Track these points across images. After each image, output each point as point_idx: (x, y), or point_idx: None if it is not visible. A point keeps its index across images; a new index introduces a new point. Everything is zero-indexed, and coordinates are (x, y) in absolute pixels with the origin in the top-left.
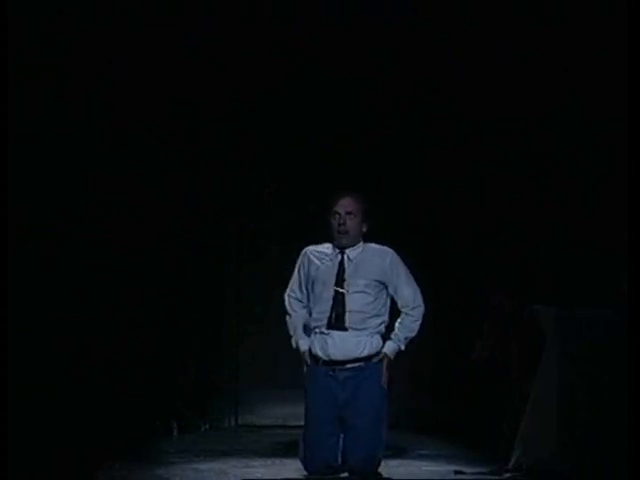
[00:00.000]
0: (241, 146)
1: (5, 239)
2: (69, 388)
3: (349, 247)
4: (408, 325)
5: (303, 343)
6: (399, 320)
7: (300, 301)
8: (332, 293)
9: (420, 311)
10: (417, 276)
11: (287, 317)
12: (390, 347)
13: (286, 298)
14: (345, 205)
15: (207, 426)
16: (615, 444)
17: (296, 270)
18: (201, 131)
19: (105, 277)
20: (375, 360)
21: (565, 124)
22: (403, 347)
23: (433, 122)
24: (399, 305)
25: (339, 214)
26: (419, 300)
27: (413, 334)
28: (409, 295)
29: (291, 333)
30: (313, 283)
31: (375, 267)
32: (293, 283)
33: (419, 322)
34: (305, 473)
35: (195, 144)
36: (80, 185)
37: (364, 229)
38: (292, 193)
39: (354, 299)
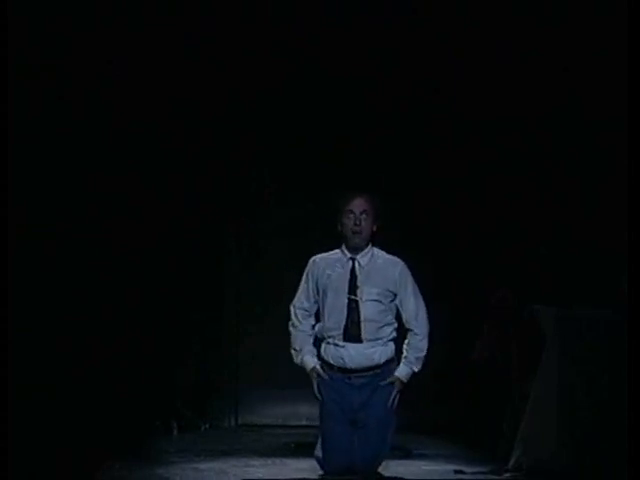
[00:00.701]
0: (241, 146)
1: (5, 239)
2: (69, 388)
3: (360, 250)
4: (415, 345)
5: (309, 360)
6: (407, 341)
7: (306, 311)
8: (345, 301)
9: (424, 329)
10: (417, 276)
11: (291, 328)
12: (403, 371)
13: (292, 309)
14: (360, 205)
15: (207, 426)
16: (615, 444)
17: (303, 280)
18: (201, 131)
19: (105, 277)
20: (391, 366)
21: (565, 124)
22: (416, 369)
23: (433, 122)
24: (403, 318)
25: (354, 213)
26: (422, 315)
27: (423, 354)
28: (413, 309)
29: (296, 348)
30: (325, 292)
31: (387, 276)
32: (301, 293)
33: (426, 340)
34: (321, 472)
35: (195, 144)
36: (80, 185)
37: (374, 229)
38: (292, 193)
39: (368, 307)
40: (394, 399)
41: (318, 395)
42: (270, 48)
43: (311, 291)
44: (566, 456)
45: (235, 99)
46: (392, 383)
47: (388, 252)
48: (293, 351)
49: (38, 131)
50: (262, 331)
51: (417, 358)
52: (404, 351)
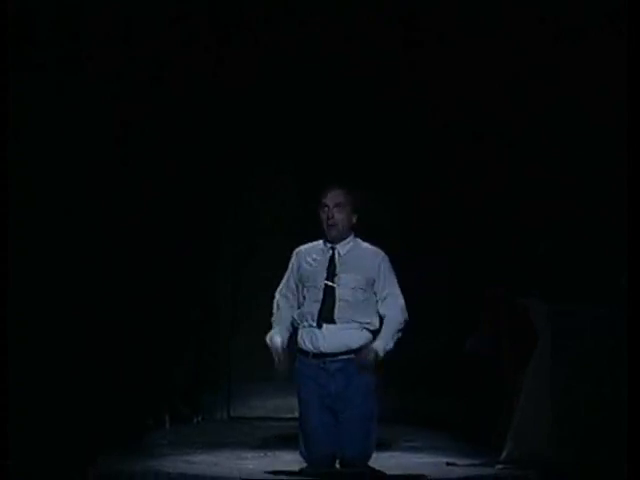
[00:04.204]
0: (238, 144)
1: (5, 239)
2: (66, 384)
3: (339, 241)
4: (391, 326)
5: (276, 338)
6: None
7: (287, 298)
8: (322, 286)
9: (399, 315)
10: (416, 271)
11: (272, 317)
12: (379, 344)
13: (275, 296)
14: (333, 197)
15: (200, 418)
16: (607, 437)
17: (289, 270)
18: (199, 129)
19: (101, 275)
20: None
21: (565, 121)
22: (391, 344)
23: (433, 121)
24: (379, 307)
25: (327, 206)
26: (399, 303)
27: (398, 333)
28: (390, 300)
29: (272, 325)
30: (305, 278)
31: (367, 265)
32: (283, 283)
33: (401, 325)
34: (305, 465)
35: (192, 142)
36: (80, 185)
37: (354, 220)
38: (288, 191)
39: (344, 291)
40: (364, 366)
41: (278, 363)
42: (270, 48)
43: (293, 280)
44: (557, 449)
45: (235, 98)
46: (366, 368)
47: (387, 248)
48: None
49: (38, 131)
50: (256, 327)
51: (392, 335)
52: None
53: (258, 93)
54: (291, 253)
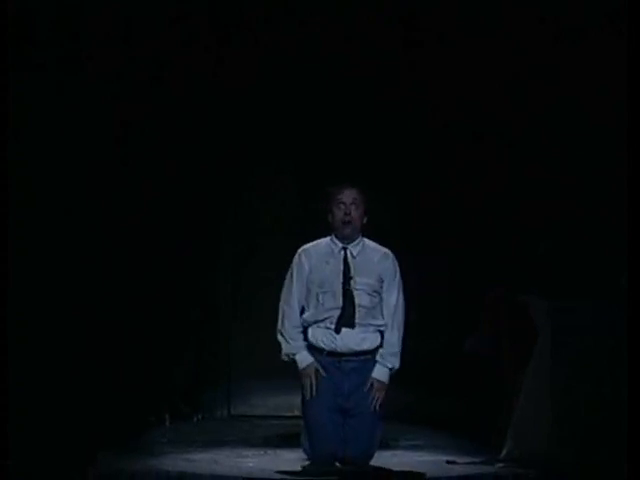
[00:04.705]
0: (241, 145)
1: (5, 239)
2: (66, 384)
3: (350, 240)
4: (389, 340)
5: (306, 356)
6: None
7: (298, 308)
8: (341, 291)
9: (400, 325)
10: (416, 270)
11: (282, 329)
12: (379, 371)
13: (283, 308)
14: (350, 194)
15: (200, 416)
16: (606, 437)
17: (296, 271)
18: (199, 128)
19: (102, 274)
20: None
21: (565, 120)
22: (391, 365)
23: (433, 121)
24: (383, 310)
25: (344, 204)
26: (400, 310)
27: (397, 349)
28: (393, 303)
29: (286, 337)
30: (319, 283)
31: (379, 267)
32: (293, 289)
33: (400, 336)
34: (307, 462)
35: (191, 141)
36: (80, 185)
37: (364, 221)
38: (290, 190)
39: (361, 295)
40: (376, 401)
41: (307, 393)
42: (270, 48)
43: (302, 282)
44: (557, 449)
45: (234, 98)
46: (371, 385)
47: (387, 248)
48: (282, 339)
49: (37, 131)
50: (256, 326)
51: (392, 354)
52: (378, 354)
53: (258, 93)
54: (291, 253)
